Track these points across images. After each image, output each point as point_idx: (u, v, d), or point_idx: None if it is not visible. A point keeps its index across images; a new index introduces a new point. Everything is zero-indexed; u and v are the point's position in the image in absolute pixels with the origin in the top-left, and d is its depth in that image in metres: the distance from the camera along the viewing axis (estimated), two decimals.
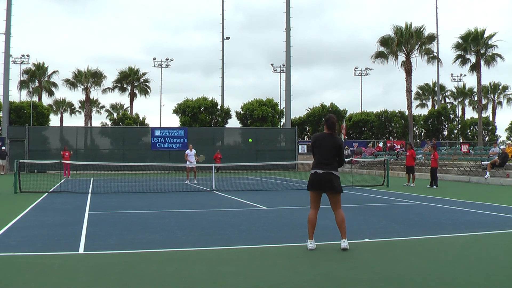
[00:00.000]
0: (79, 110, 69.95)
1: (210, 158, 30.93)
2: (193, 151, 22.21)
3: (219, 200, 14.29)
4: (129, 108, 57.29)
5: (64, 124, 63.24)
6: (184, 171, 23.64)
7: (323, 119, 6.89)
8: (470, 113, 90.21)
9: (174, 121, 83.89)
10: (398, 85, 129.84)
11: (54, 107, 65.40)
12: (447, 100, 65.49)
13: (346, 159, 29.44)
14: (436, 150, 21.72)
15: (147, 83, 56.46)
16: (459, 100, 64.90)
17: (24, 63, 54.09)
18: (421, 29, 40.58)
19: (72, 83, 52.04)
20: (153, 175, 31.04)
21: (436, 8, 50.63)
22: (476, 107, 47.69)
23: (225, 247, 6.95)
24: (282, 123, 47.55)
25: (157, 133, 36.92)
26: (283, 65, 47.67)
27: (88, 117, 53.73)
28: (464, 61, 41.60)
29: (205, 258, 6.23)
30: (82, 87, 52.26)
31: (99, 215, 10.61)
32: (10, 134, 35.11)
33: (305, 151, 40.10)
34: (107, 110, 71.52)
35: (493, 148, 24.63)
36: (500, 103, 63.45)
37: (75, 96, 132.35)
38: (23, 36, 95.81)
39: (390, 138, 51.73)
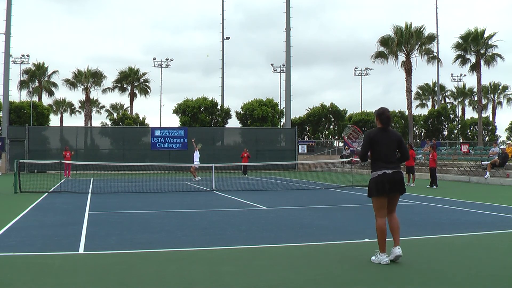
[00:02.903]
0: (79, 110, 69.95)
1: (211, 158, 30.85)
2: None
3: (219, 200, 14.29)
4: (129, 108, 57.30)
5: (64, 124, 63.30)
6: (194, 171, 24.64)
7: (376, 113, 6.12)
8: (470, 113, 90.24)
9: (174, 121, 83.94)
10: (398, 85, 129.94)
11: (54, 107, 65.34)
12: (447, 100, 65.49)
13: (346, 159, 29.52)
14: (436, 150, 21.71)
15: (147, 83, 56.49)
16: (459, 100, 64.89)
17: (24, 63, 54.11)
18: (421, 29, 40.57)
19: (72, 83, 52.02)
20: (153, 175, 31.05)
21: (436, 8, 50.62)
22: (476, 107, 47.71)
23: (225, 247, 6.95)
24: (282, 123, 47.55)
25: (157, 133, 36.92)
26: (283, 65, 47.68)
27: (88, 117, 53.73)
28: (464, 61, 41.60)
29: (205, 258, 6.23)
30: (82, 87, 52.26)
31: (99, 215, 10.61)
32: (10, 134, 35.11)
33: (305, 151, 40.12)
34: (107, 110, 71.52)
35: (493, 148, 24.63)
36: (500, 103, 63.45)
37: (75, 96, 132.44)
38: (23, 36, 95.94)
39: None
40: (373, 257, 5.92)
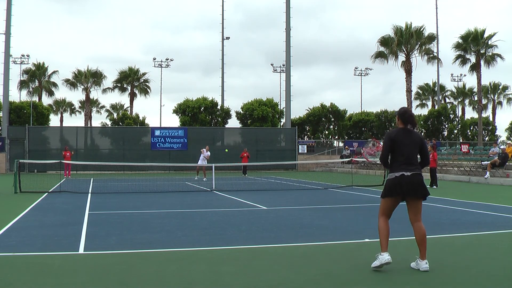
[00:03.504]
0: (79, 110, 69.97)
1: (211, 158, 30.84)
2: (208, 152, 25.10)
3: (219, 200, 14.29)
4: (129, 108, 57.31)
5: (64, 124, 63.30)
6: (201, 170, 25.56)
7: (397, 113, 5.77)
8: (470, 113, 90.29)
9: (174, 121, 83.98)
10: (398, 85, 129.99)
11: (54, 107, 65.35)
12: (447, 100, 65.49)
13: (346, 159, 29.49)
14: (436, 150, 21.71)
15: (147, 83, 56.51)
16: (459, 100, 64.89)
17: (24, 63, 54.09)
18: (421, 29, 40.60)
19: (72, 83, 52.04)
20: (153, 175, 31.05)
21: (436, 8, 50.52)
22: (476, 107, 47.72)
23: (225, 247, 6.95)
24: (282, 123, 47.55)
25: (157, 133, 36.92)
26: (283, 65, 47.68)
27: (88, 117, 53.74)
28: (464, 61, 41.62)
29: (205, 258, 6.23)
30: (82, 87, 52.29)
31: (99, 215, 10.61)
32: (10, 134, 35.12)
33: (305, 151, 40.12)
34: (107, 110, 71.55)
35: (493, 148, 24.64)
36: (500, 103, 63.47)
37: (75, 96, 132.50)
38: (23, 36, 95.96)
39: None
40: (375, 262, 5.45)
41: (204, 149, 25.06)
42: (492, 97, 62.60)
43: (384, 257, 5.38)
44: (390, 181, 5.59)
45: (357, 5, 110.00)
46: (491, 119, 59.82)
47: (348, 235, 8.07)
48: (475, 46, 40.02)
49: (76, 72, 51.67)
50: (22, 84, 53.81)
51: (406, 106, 41.63)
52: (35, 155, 33.37)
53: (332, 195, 16.08)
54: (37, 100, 51.06)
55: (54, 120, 60.84)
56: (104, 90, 54.82)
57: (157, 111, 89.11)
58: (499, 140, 51.95)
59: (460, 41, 40.80)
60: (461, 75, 62.48)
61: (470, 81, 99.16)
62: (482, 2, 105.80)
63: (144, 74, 55.85)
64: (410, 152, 5.59)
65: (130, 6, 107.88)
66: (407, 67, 40.74)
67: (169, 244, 7.20)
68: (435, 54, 44.20)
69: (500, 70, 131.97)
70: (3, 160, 33.71)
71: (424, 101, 65.13)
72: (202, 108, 44.78)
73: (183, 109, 44.72)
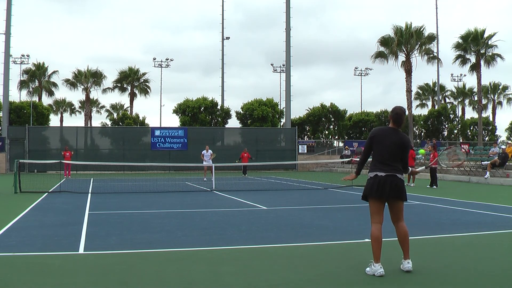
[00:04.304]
0: (79, 110, 69.92)
1: (214, 158, 30.83)
2: (209, 151, 24.81)
3: (219, 200, 14.29)
4: (129, 108, 57.28)
5: (64, 124, 63.27)
6: (208, 170, 25.00)
7: (390, 110, 5.59)
8: (470, 113, 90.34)
9: (174, 121, 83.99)
10: (398, 85, 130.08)
11: (54, 107, 65.30)
12: (447, 100, 65.47)
13: (346, 159, 29.46)
14: (436, 150, 21.71)
15: (147, 83, 56.45)
16: (459, 100, 64.87)
17: (24, 63, 54.08)
18: (421, 29, 40.56)
19: (72, 83, 51.99)
20: (153, 175, 31.05)
21: (436, 8, 50.59)
22: (476, 107, 47.72)
23: (225, 247, 6.95)
24: (282, 123, 47.54)
25: (157, 133, 36.92)
26: (283, 65, 47.67)
27: (88, 117, 53.69)
28: (464, 61, 41.60)
29: (205, 258, 6.23)
30: (82, 87, 52.24)
31: (99, 215, 10.61)
32: (10, 134, 35.12)
33: (305, 151, 40.13)
34: (107, 110, 71.49)
35: (493, 148, 24.65)
36: (500, 103, 63.41)
37: (75, 96, 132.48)
38: (23, 36, 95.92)
39: None
40: (368, 269, 5.39)
41: (204, 151, 24.96)
42: (492, 97, 62.56)
43: (377, 269, 5.25)
44: (367, 181, 5.50)
45: (357, 5, 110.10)
46: (491, 119, 59.81)
47: (348, 235, 8.06)
48: (475, 46, 40.01)
49: (76, 72, 51.64)
50: (22, 84, 53.78)
51: (406, 106, 41.92)
52: (35, 155, 33.37)
53: (332, 195, 16.08)
54: (37, 100, 51.03)
55: (54, 120, 60.91)
56: (104, 90, 54.81)
57: (157, 111, 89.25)
58: (499, 140, 51.97)
59: (460, 41, 40.79)
60: (461, 75, 62.54)
61: (470, 81, 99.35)
62: (482, 2, 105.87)
63: (144, 74, 55.85)
64: (388, 152, 5.38)
65: (130, 6, 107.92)
66: (407, 67, 40.72)
67: (169, 244, 7.20)
68: (435, 54, 44.18)
69: (500, 70, 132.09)
70: (3, 160, 33.72)
71: (424, 101, 65.12)
72: (202, 108, 44.78)
73: (183, 109, 44.72)
